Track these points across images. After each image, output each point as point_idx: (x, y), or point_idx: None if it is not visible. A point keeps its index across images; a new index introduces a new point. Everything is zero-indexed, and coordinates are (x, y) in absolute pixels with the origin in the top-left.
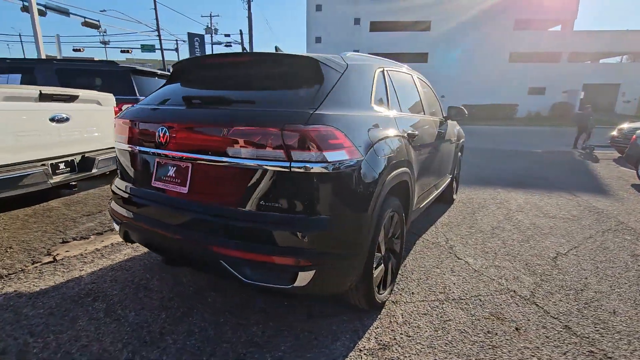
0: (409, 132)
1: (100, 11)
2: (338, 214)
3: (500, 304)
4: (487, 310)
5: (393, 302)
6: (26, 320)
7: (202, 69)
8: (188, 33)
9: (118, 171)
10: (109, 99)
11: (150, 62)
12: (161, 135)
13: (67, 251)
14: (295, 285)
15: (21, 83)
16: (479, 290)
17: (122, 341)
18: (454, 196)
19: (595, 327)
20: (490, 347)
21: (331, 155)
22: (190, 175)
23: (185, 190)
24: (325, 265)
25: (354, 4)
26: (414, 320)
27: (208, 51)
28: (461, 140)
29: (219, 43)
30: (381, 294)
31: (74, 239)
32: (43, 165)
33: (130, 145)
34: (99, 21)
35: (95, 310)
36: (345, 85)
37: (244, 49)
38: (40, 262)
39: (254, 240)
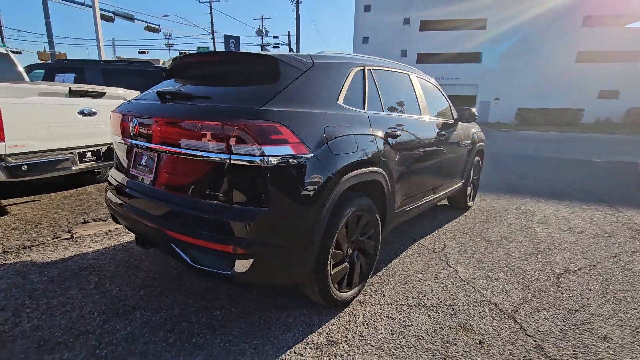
0: (388, 131)
1: (163, 16)
2: (278, 207)
3: (474, 316)
4: (456, 320)
5: (360, 302)
6: (30, 285)
7: (184, 66)
8: (225, 35)
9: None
10: (136, 95)
11: None
12: (134, 127)
13: (84, 230)
14: (235, 271)
15: (74, 81)
16: (456, 300)
17: (98, 310)
18: (469, 203)
19: (574, 351)
20: (443, 356)
21: (271, 150)
22: (155, 164)
23: (151, 177)
24: (265, 255)
25: (404, 3)
26: (374, 321)
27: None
28: (478, 144)
29: (268, 45)
30: (343, 292)
31: (94, 220)
32: (71, 153)
33: (118, 137)
34: (159, 26)
35: (87, 283)
36: (305, 83)
37: (290, 49)
38: (59, 237)
39: (199, 227)
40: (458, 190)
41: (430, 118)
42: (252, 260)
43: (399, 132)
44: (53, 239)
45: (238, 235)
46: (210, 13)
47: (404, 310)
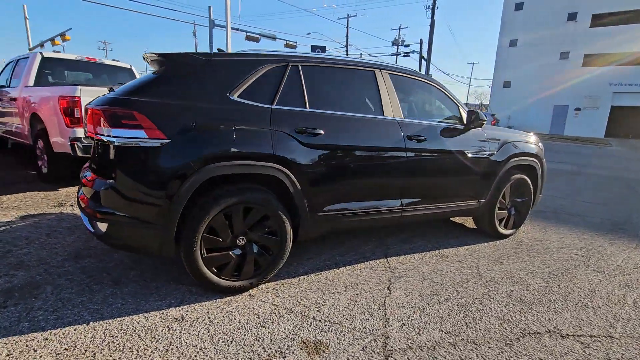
0: (303, 128)
1: (307, 34)
2: (125, 182)
3: (343, 340)
4: (317, 338)
5: (250, 295)
6: (57, 228)
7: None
8: (311, 46)
9: None
10: None
11: None
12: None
13: None
14: (98, 230)
15: None
16: (346, 320)
17: (70, 252)
18: (502, 230)
19: None
20: None
21: (119, 132)
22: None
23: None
24: (117, 222)
25: None
26: (238, 314)
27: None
28: (517, 159)
29: (399, 54)
30: (225, 280)
31: None
32: None
33: None
34: (296, 42)
35: (85, 234)
36: (188, 78)
37: (422, 57)
38: None
39: (86, 192)
40: (472, 212)
41: (400, 120)
42: (107, 224)
43: (320, 130)
44: None
45: (95, 200)
46: (347, 28)
47: (279, 313)
